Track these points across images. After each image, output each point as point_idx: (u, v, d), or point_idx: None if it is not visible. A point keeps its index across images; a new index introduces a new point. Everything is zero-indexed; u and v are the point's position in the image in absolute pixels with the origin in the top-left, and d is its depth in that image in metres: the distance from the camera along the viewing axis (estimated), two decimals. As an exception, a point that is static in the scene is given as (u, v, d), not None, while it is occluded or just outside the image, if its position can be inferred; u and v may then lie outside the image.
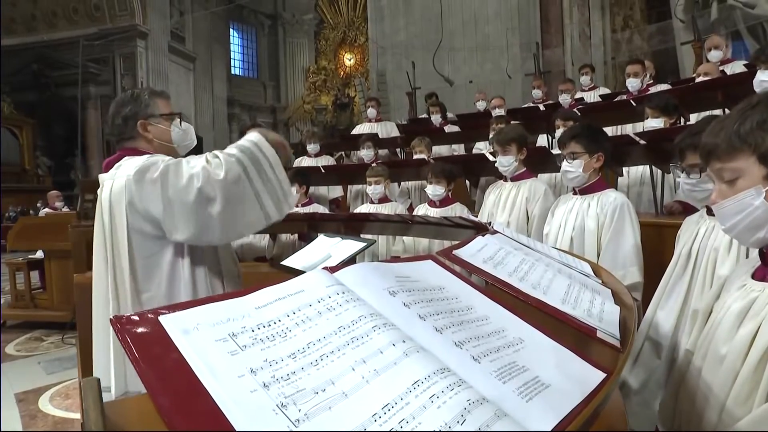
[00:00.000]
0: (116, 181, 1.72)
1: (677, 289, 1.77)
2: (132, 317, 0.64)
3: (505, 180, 3.30)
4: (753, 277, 1.12)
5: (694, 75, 5.61)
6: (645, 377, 1.76)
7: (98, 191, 1.83)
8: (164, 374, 0.57)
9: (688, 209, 3.14)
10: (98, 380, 0.50)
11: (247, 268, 3.60)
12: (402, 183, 5.30)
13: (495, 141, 3.29)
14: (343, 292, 0.77)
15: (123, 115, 1.87)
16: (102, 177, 1.83)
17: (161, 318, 0.65)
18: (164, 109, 1.93)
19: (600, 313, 1.13)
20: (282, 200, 1.77)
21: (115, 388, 1.65)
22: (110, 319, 0.62)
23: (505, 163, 3.19)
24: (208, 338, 0.63)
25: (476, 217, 3.36)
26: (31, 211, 13.12)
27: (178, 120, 1.96)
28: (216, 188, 1.61)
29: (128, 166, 1.72)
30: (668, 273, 1.85)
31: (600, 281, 1.49)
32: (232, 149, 1.72)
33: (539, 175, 4.10)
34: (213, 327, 0.65)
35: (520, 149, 3.19)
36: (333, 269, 0.84)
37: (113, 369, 1.65)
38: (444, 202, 3.61)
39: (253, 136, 1.78)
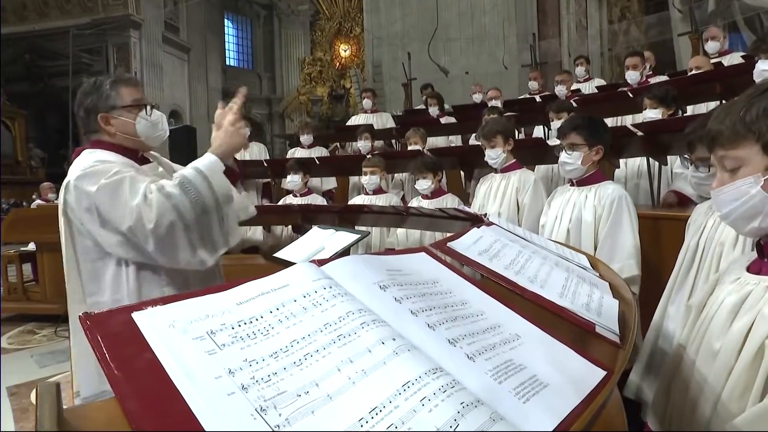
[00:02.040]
0: (67, 179, 1.64)
1: (686, 283, 1.73)
2: (103, 314, 0.60)
3: (496, 172, 3.34)
4: (748, 270, 1.09)
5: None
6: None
7: None
8: (134, 376, 0.52)
9: (683, 201, 3.12)
10: (57, 384, 0.46)
11: (238, 261, 3.57)
12: (396, 174, 5.27)
13: (481, 135, 3.34)
14: (331, 287, 0.72)
15: (85, 107, 1.75)
16: None
17: (135, 315, 0.60)
18: (129, 98, 1.77)
19: (599, 307, 1.10)
20: (218, 239, 1.66)
21: (84, 389, 1.61)
22: (79, 317, 0.58)
23: (493, 155, 3.25)
24: (185, 337, 0.59)
25: (470, 208, 3.34)
26: (24, 203, 13.00)
27: (146, 110, 1.79)
28: (146, 234, 1.52)
29: (77, 166, 1.64)
30: (677, 266, 1.81)
31: (597, 274, 1.46)
32: (172, 188, 1.57)
33: (535, 166, 4.09)
34: (190, 324, 0.61)
35: (506, 141, 3.24)
36: (321, 262, 0.80)
37: (74, 368, 1.62)
38: (435, 194, 3.62)
39: (206, 162, 1.66)
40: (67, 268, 1.70)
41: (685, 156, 1.81)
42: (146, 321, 0.60)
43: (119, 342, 0.56)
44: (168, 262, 1.61)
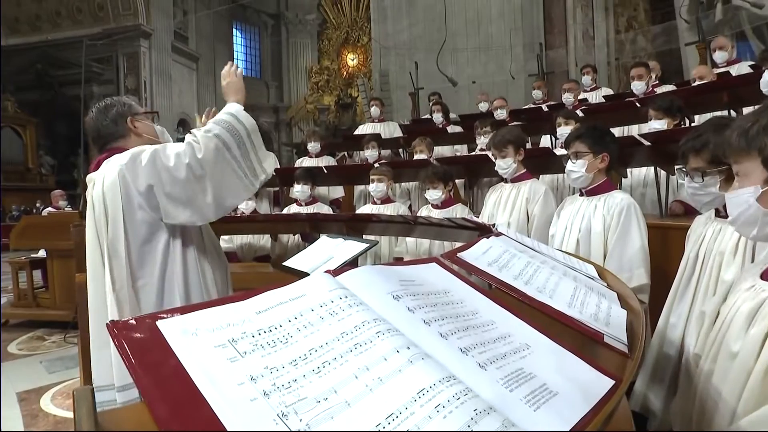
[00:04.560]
0: (108, 174, 1.78)
1: (687, 293, 1.75)
2: (129, 322, 0.62)
3: (506, 182, 3.32)
4: (762, 277, 1.12)
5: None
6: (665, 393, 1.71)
7: (88, 191, 1.88)
8: (161, 381, 0.55)
9: (689, 210, 3.12)
10: (92, 389, 0.49)
11: (248, 269, 3.60)
12: (402, 183, 5.28)
13: (491, 144, 3.32)
14: (346, 296, 0.75)
15: (111, 117, 1.96)
16: (91, 176, 1.88)
17: (159, 323, 0.63)
18: (141, 108, 2.07)
19: (607, 317, 1.11)
20: (257, 166, 1.93)
21: (118, 381, 1.69)
22: (107, 324, 0.61)
23: (504, 165, 3.23)
24: (207, 344, 0.61)
25: (477, 218, 3.35)
26: (34, 210, 13.13)
27: (154, 119, 2.13)
28: (201, 164, 1.75)
29: (119, 158, 1.79)
30: (678, 276, 1.82)
31: (605, 284, 1.47)
32: (210, 125, 1.86)
33: (541, 176, 4.10)
34: (212, 332, 0.63)
35: (517, 151, 3.22)
36: (335, 272, 0.82)
37: (115, 367, 1.69)
38: (445, 204, 3.61)
39: (232, 108, 1.95)
40: (98, 259, 1.78)
41: (682, 168, 1.83)
42: (170, 329, 0.62)
43: (145, 348, 0.59)
44: (222, 192, 1.81)
